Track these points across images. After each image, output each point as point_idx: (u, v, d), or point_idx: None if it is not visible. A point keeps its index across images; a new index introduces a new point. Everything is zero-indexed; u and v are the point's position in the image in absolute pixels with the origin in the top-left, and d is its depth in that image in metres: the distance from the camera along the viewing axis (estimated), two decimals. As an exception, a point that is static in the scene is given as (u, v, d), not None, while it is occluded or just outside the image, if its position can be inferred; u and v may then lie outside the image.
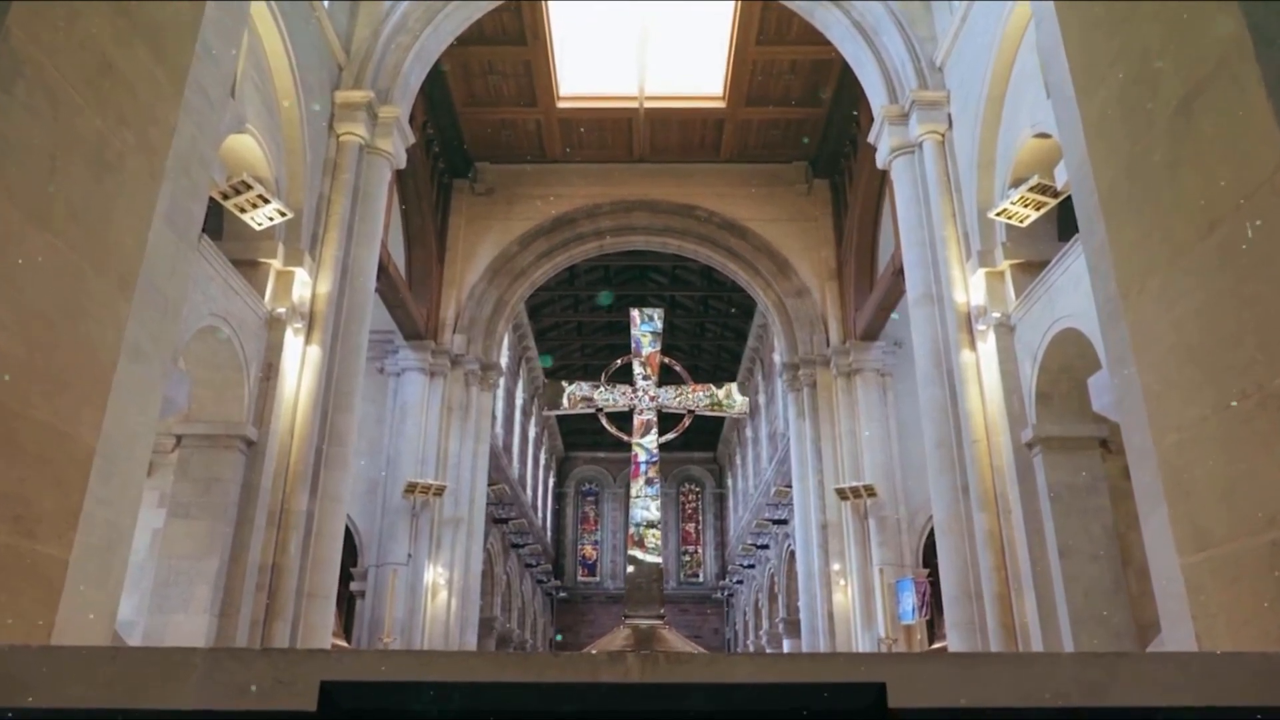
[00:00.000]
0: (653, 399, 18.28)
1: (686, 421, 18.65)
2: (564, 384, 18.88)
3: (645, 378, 18.47)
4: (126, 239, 2.21)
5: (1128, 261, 2.31)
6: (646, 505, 17.70)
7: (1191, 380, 2.10)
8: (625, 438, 18.40)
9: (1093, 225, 5.31)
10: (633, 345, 19.02)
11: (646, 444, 17.94)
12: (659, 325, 19.22)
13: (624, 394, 18.39)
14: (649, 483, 17.85)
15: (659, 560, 17.41)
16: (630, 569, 17.48)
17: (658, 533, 17.45)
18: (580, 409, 18.64)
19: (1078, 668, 1.34)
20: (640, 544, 17.29)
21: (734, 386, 19.44)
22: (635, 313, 19.41)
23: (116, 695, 1.33)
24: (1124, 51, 2.38)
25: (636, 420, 18.24)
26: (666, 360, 19.22)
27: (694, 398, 18.59)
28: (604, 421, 18.65)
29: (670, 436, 18.62)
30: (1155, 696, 1.32)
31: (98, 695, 1.33)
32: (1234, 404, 1.95)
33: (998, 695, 1.29)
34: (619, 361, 19.41)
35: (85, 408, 2.13)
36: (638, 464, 18.00)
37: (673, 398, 18.48)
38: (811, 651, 18.77)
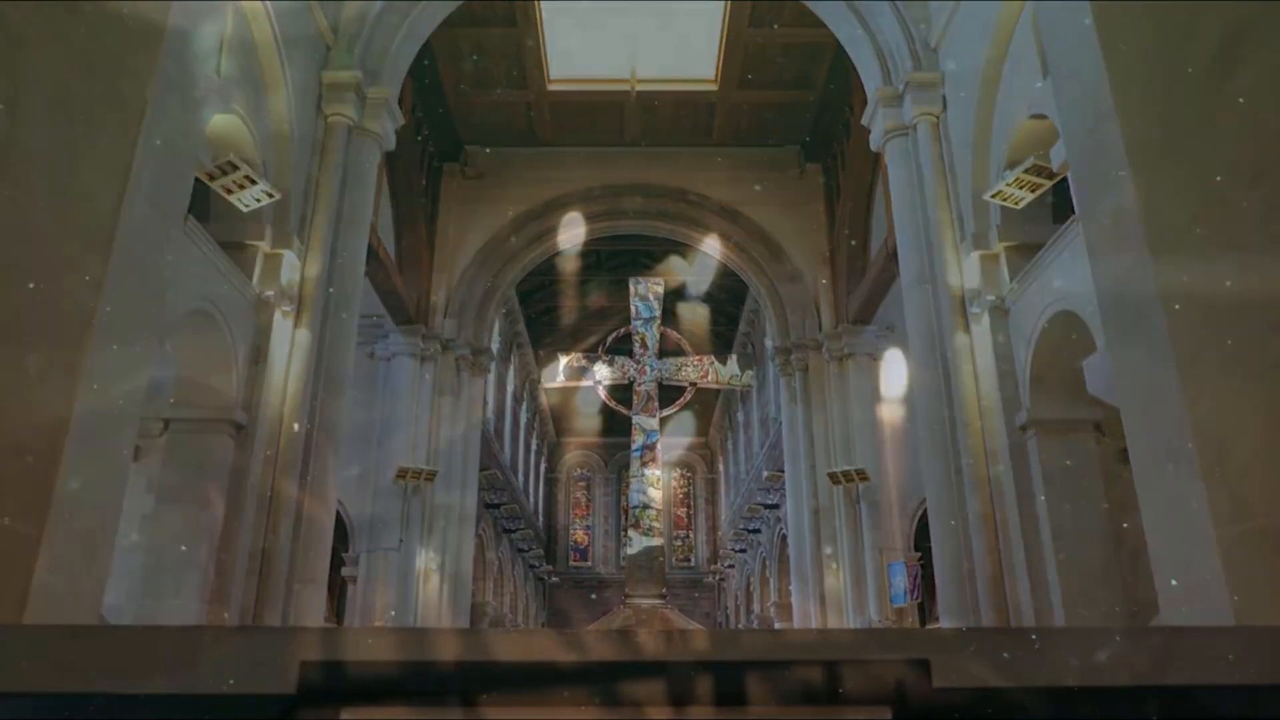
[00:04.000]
0: (653, 371, 18.06)
1: (689, 394, 18.46)
2: (561, 356, 18.62)
3: (644, 349, 18.25)
4: (97, 194, 2.09)
5: (1161, 217, 2.21)
6: (643, 489, 17.59)
7: (1232, 344, 2.00)
8: (625, 411, 18.20)
9: (1095, 201, 5.19)
10: (631, 317, 18.74)
11: (647, 424, 17.77)
12: (658, 297, 18.97)
13: (623, 366, 18.16)
14: (647, 464, 17.72)
15: (660, 541, 17.31)
16: (631, 550, 17.38)
17: (657, 513, 17.33)
18: (578, 381, 18.42)
19: (1126, 644, 1.25)
20: (639, 525, 17.19)
21: (735, 359, 19.27)
22: (634, 283, 19.18)
23: (80, 678, 1.22)
24: (1158, -5, 2.26)
25: (636, 393, 18.03)
26: (666, 331, 18.99)
27: (695, 368, 18.38)
28: (602, 394, 18.45)
29: (672, 411, 18.44)
30: (1208, 674, 1.23)
31: (60, 678, 1.22)
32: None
33: (1044, 672, 1.20)
34: (619, 331, 19.15)
35: (55, 371, 2.01)
36: (637, 444, 17.85)
37: (673, 370, 18.27)
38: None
